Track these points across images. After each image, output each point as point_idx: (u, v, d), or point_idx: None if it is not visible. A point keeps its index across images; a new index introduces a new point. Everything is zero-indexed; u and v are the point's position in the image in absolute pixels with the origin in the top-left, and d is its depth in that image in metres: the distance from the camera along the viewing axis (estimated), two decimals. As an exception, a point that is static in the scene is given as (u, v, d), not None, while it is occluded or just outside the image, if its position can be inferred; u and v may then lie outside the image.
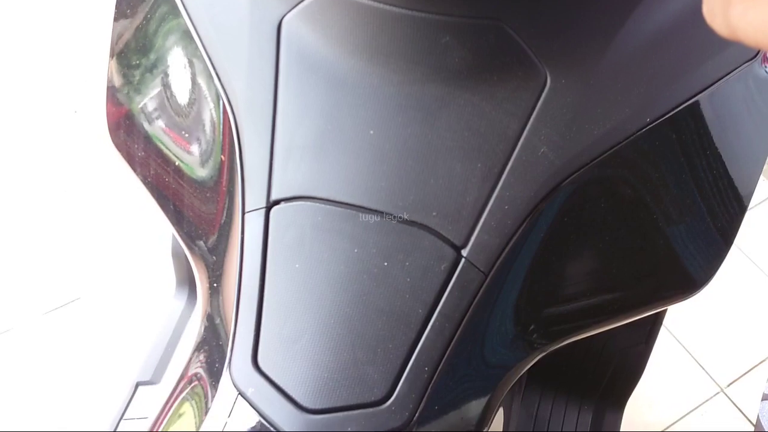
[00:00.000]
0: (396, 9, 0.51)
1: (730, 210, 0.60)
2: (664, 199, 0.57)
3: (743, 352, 1.58)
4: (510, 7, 0.51)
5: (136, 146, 0.64)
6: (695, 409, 1.49)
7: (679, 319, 1.60)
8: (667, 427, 1.47)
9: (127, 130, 0.65)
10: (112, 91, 0.66)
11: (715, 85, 0.57)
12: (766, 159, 0.61)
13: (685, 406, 1.50)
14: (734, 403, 1.50)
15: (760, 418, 0.95)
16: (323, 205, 0.53)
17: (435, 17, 0.51)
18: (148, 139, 0.63)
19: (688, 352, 1.57)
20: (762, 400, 0.97)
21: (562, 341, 0.57)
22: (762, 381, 1.53)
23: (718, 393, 1.52)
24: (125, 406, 1.00)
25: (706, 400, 1.51)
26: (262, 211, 0.53)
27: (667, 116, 0.55)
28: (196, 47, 0.59)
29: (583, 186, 0.54)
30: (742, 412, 1.49)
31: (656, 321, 0.93)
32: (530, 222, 0.53)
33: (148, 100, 0.64)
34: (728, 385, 1.53)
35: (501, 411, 0.63)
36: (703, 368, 1.55)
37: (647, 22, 0.54)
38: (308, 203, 0.53)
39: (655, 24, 0.55)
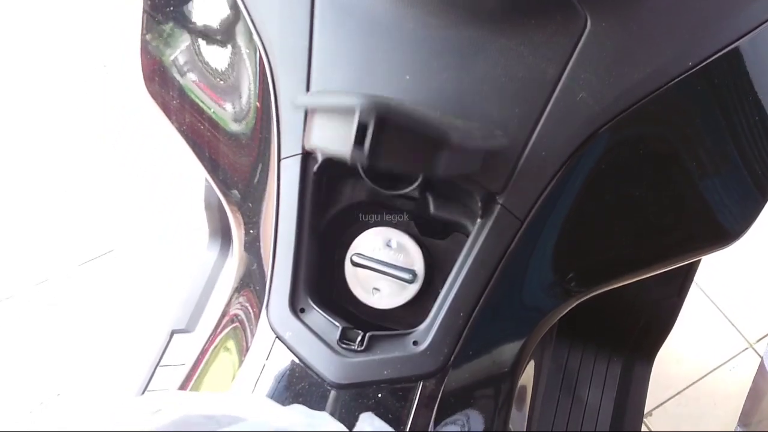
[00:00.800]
0: None
1: None
2: (701, 149, 0.56)
3: (773, 309, 1.57)
4: None
5: (171, 95, 0.64)
6: (724, 364, 1.49)
7: (709, 274, 1.59)
8: (695, 381, 1.47)
9: (161, 80, 0.65)
10: (145, 41, 0.66)
11: (760, 28, 0.55)
12: None
13: (714, 361, 1.50)
14: (763, 359, 1.50)
15: (764, 360, 0.95)
16: None
17: None
18: (182, 87, 0.63)
19: (717, 307, 1.56)
20: None
21: (597, 289, 0.57)
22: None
23: (746, 348, 1.51)
24: (161, 353, 1.02)
25: (735, 356, 1.50)
26: (299, 158, 0.53)
27: (709, 60, 0.53)
28: None
29: (621, 133, 0.53)
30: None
31: (688, 274, 0.92)
32: (567, 169, 0.52)
33: (182, 50, 0.64)
34: (757, 341, 1.52)
35: (532, 363, 0.64)
36: (732, 324, 1.54)
37: None
38: None
39: None
